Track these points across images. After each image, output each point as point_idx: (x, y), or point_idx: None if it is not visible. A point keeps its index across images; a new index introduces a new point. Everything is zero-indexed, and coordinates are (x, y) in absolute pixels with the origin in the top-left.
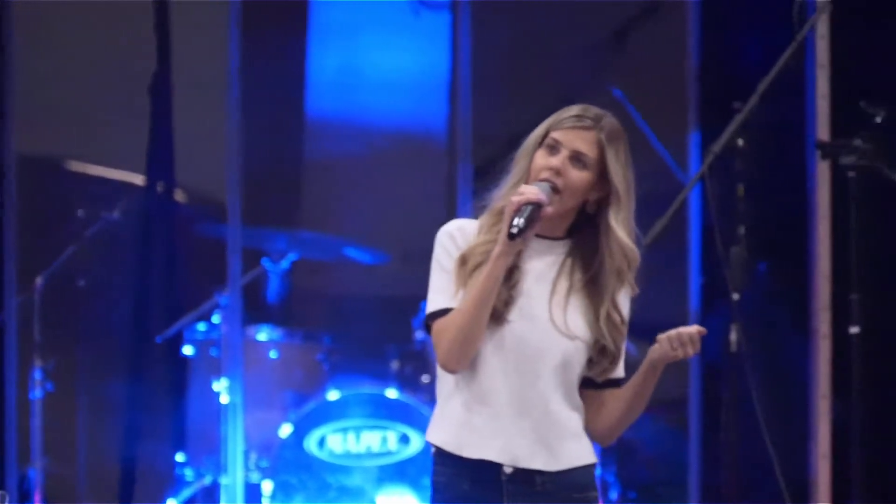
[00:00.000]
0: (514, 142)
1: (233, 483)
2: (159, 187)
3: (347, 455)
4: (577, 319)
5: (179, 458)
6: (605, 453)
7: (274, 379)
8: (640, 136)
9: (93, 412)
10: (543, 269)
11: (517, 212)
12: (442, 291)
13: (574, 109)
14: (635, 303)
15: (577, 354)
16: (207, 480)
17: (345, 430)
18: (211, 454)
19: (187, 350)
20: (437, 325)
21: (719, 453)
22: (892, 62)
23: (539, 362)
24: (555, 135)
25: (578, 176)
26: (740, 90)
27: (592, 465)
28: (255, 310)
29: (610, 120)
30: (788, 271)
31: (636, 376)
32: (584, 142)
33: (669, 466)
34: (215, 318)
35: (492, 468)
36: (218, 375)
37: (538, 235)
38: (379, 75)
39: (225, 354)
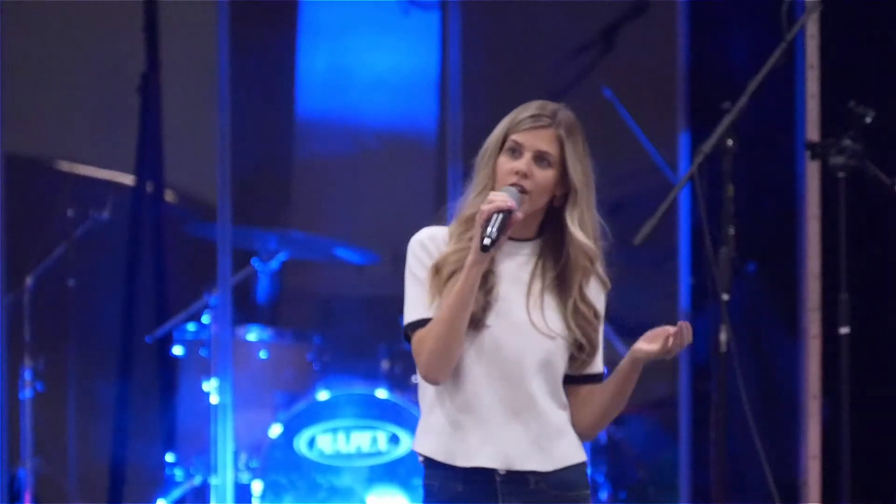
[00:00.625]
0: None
1: (222, 483)
2: (149, 187)
3: (337, 455)
4: (553, 317)
5: (169, 458)
6: (595, 453)
7: (264, 379)
8: (630, 136)
9: (83, 412)
10: (516, 270)
11: (488, 221)
12: (417, 302)
13: (529, 109)
14: (624, 303)
15: (559, 352)
16: (197, 480)
17: (335, 431)
18: (201, 454)
19: (177, 350)
20: (416, 336)
21: (709, 454)
22: (882, 62)
23: (522, 364)
24: (515, 137)
25: (544, 175)
26: (730, 90)
27: (584, 464)
28: (244, 310)
29: (566, 113)
30: (778, 272)
31: (618, 373)
32: (544, 140)
33: (659, 467)
34: (205, 318)
35: (485, 472)
36: (208, 375)
37: (511, 238)
38: (369, 75)
39: (215, 354)
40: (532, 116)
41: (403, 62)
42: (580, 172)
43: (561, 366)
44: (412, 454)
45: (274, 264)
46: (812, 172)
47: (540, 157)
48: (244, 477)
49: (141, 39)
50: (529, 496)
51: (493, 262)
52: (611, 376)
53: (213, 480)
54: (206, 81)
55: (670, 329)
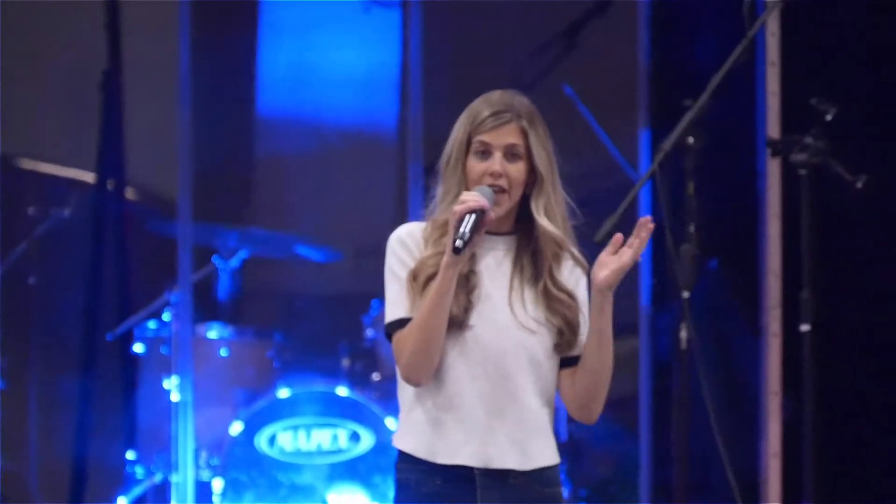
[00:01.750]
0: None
1: (183, 481)
2: (110, 185)
3: (298, 453)
4: (534, 310)
5: (130, 455)
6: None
7: (225, 377)
8: (591, 134)
9: (44, 410)
10: (497, 266)
11: (460, 222)
12: (398, 301)
13: (489, 107)
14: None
15: (542, 346)
16: (158, 478)
17: (295, 428)
18: (161, 452)
19: (138, 348)
20: (397, 336)
21: (670, 452)
22: (843, 59)
23: (506, 362)
24: (481, 138)
25: (517, 169)
26: (691, 88)
27: (559, 465)
28: (205, 307)
29: (522, 102)
30: (739, 269)
31: (592, 318)
32: (511, 135)
33: (620, 465)
34: (166, 316)
35: (465, 469)
36: (169, 373)
37: (488, 233)
38: (329, 73)
39: (175, 352)
40: (494, 115)
41: (364, 60)
42: (544, 158)
43: (547, 360)
44: (373, 452)
45: (235, 262)
46: (773, 170)
47: (510, 153)
48: (205, 475)
49: (103, 37)
50: (507, 491)
51: (473, 261)
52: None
53: (174, 478)
54: (167, 79)
55: (620, 236)
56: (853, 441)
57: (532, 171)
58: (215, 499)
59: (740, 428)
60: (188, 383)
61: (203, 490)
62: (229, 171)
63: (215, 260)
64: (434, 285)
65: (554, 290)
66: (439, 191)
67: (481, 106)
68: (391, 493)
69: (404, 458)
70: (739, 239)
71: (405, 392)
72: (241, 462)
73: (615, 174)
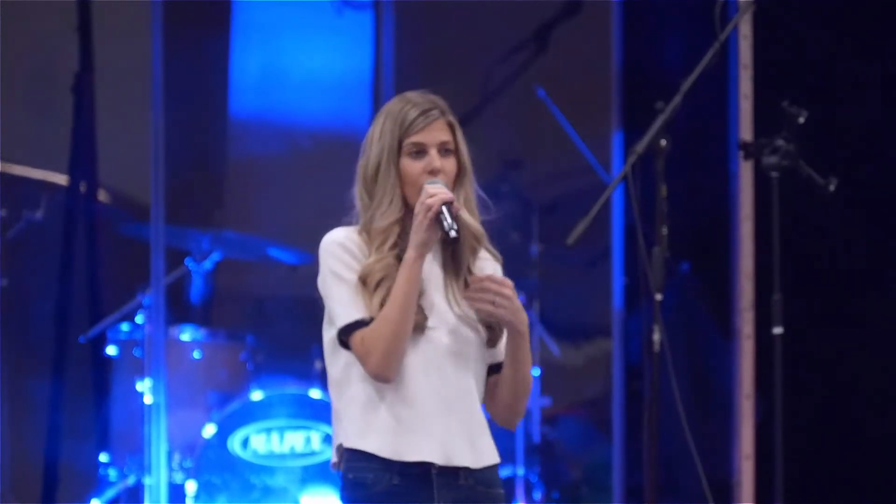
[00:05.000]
0: None
1: (156, 483)
2: (82, 187)
3: (271, 455)
4: (466, 308)
5: (103, 458)
6: (528, 453)
7: (197, 379)
8: (563, 136)
9: (16, 412)
10: (433, 266)
11: (439, 214)
12: (351, 303)
13: (414, 108)
14: (557, 303)
15: (481, 342)
16: (131, 481)
17: (268, 431)
18: (134, 454)
19: (111, 350)
20: (358, 337)
21: (642, 454)
22: (815, 63)
23: (459, 360)
24: (413, 139)
25: (451, 164)
26: (663, 90)
27: (498, 465)
28: (178, 310)
29: (440, 99)
30: (711, 272)
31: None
32: (442, 132)
33: (593, 467)
34: (139, 319)
35: (422, 466)
36: (141, 375)
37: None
38: (302, 75)
39: (148, 354)
40: (423, 114)
41: (337, 62)
42: (465, 153)
43: (484, 358)
44: None
45: (207, 264)
46: (745, 172)
47: (443, 149)
48: (178, 477)
49: (74, 39)
50: (460, 491)
51: None
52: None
53: (147, 480)
54: (139, 81)
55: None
56: (825, 443)
57: (459, 166)
58: (188, 501)
59: (713, 430)
60: (161, 386)
61: (176, 492)
62: (202, 174)
63: (188, 262)
64: (397, 286)
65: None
66: (368, 199)
67: (406, 108)
68: None
69: (361, 458)
70: (711, 241)
71: (359, 393)
72: (214, 464)
73: (587, 176)
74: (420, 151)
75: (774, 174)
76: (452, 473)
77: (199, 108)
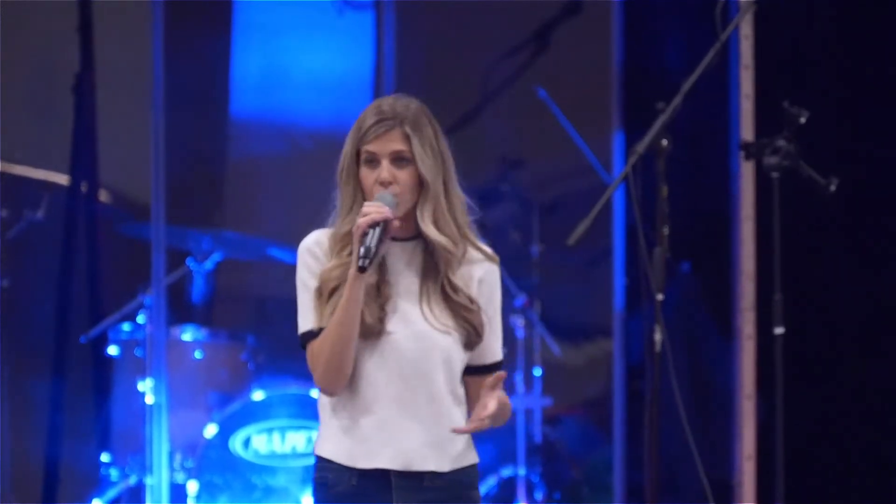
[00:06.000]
0: None
1: (158, 483)
2: (83, 187)
3: (272, 455)
4: (443, 313)
5: (104, 458)
6: (529, 453)
7: (199, 379)
8: (564, 136)
9: (17, 412)
10: (407, 271)
11: (364, 236)
12: (309, 311)
13: (372, 115)
14: (558, 303)
15: (455, 347)
16: (132, 481)
17: (270, 431)
18: (136, 454)
19: (112, 350)
20: (310, 348)
21: (643, 454)
22: (816, 63)
23: (422, 364)
24: (367, 148)
25: (406, 174)
26: (664, 90)
27: (476, 465)
28: (179, 310)
29: (408, 106)
30: (712, 272)
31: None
32: (395, 142)
33: (593, 467)
34: (140, 319)
35: (385, 474)
36: (143, 376)
37: (395, 239)
38: (302, 75)
39: (149, 355)
40: (376, 123)
41: (337, 62)
42: (430, 165)
43: (459, 360)
44: None
45: (208, 264)
46: (746, 173)
47: (397, 158)
48: (179, 477)
49: (75, 39)
50: (422, 494)
51: (385, 269)
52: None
53: (149, 480)
54: (140, 81)
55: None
56: (825, 443)
57: (420, 177)
58: (190, 501)
59: (714, 430)
60: (162, 386)
61: (178, 492)
62: (202, 174)
63: (189, 262)
64: (342, 297)
65: (452, 295)
66: (339, 203)
67: (367, 115)
68: None
69: (324, 461)
70: (712, 242)
71: (323, 399)
72: (215, 464)
73: (588, 177)
74: (373, 161)
75: (775, 174)
76: (415, 477)
77: (199, 108)
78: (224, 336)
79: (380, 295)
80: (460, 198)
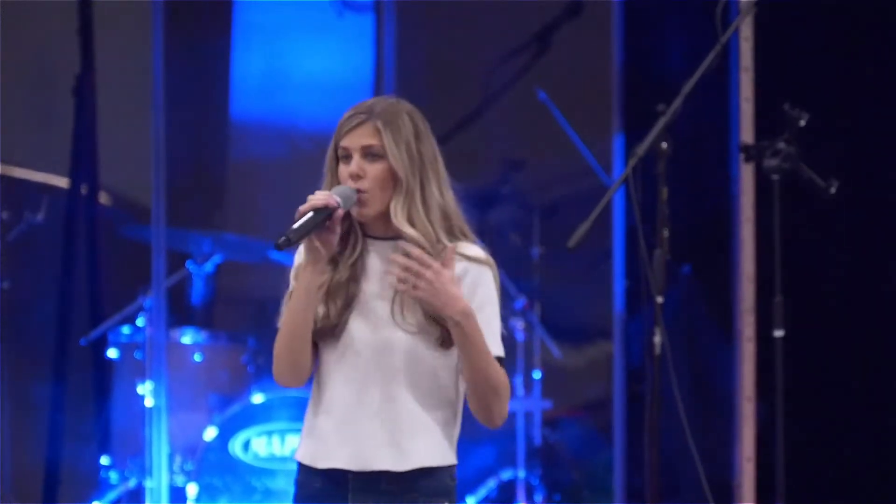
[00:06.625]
0: (439, 143)
1: (157, 486)
2: (83, 189)
3: (272, 458)
4: (415, 314)
5: (104, 460)
6: (530, 456)
7: (198, 382)
8: (564, 138)
9: (17, 415)
10: (383, 270)
11: (299, 219)
12: (282, 307)
13: (348, 113)
14: (559, 305)
15: (422, 346)
16: (132, 483)
17: (269, 433)
18: (135, 457)
19: (111, 353)
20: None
21: (643, 456)
22: (816, 65)
23: (382, 362)
24: (342, 144)
25: (376, 169)
26: (664, 92)
27: (448, 468)
28: (179, 312)
29: (385, 104)
30: (713, 274)
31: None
32: (366, 136)
33: (594, 469)
34: (139, 321)
35: (339, 472)
36: (142, 378)
37: (379, 238)
38: (303, 77)
39: (149, 357)
40: (349, 118)
41: (338, 64)
42: (403, 159)
43: (430, 360)
44: None
45: (208, 267)
46: (746, 175)
47: (367, 153)
48: (179, 480)
49: (75, 41)
50: (379, 495)
51: (358, 266)
52: None
53: (148, 483)
54: (140, 83)
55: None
56: (825, 445)
57: (392, 172)
58: None
59: (713, 432)
60: (162, 388)
61: (177, 495)
62: (202, 176)
63: (189, 265)
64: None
65: None
66: None
67: (346, 113)
68: None
69: (298, 465)
70: (713, 244)
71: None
72: (215, 467)
73: (588, 179)
74: (347, 156)
75: (775, 176)
76: (372, 478)
77: (200, 110)
78: (224, 338)
79: (347, 293)
80: (441, 201)
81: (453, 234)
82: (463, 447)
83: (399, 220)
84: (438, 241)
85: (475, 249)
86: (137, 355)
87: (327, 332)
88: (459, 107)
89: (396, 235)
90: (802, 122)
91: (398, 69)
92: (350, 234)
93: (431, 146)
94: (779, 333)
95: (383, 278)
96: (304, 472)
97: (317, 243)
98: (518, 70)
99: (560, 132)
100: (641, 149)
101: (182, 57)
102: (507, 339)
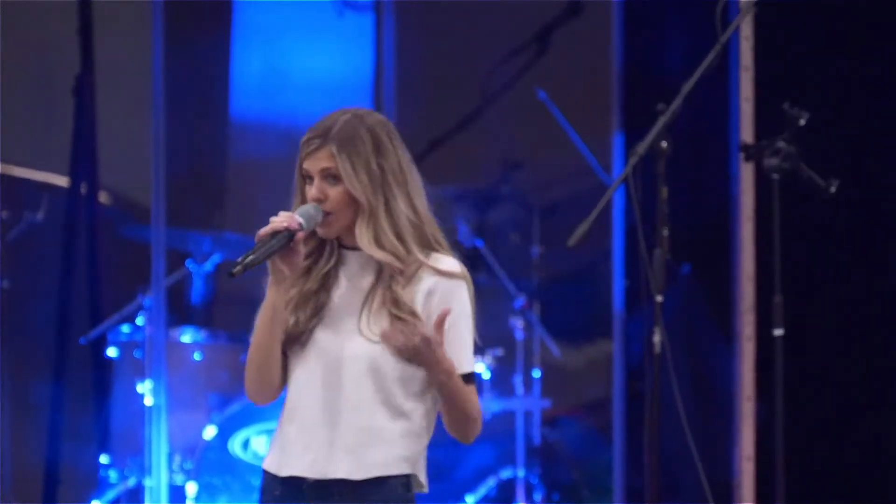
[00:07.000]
0: (439, 143)
1: (157, 485)
2: (83, 189)
3: None
4: (382, 323)
5: (103, 459)
6: (529, 455)
7: (198, 381)
8: (564, 138)
9: (16, 414)
10: (353, 282)
11: (258, 244)
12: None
13: (307, 133)
14: (558, 305)
15: (386, 356)
16: (132, 482)
17: (269, 432)
18: (135, 456)
19: (111, 352)
20: None
21: (643, 455)
22: (816, 64)
23: (345, 371)
24: (304, 166)
25: (337, 191)
26: (664, 92)
27: (402, 477)
28: (178, 311)
29: (344, 122)
30: (712, 273)
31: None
32: (324, 160)
33: (593, 468)
34: (139, 320)
35: (298, 480)
36: (142, 377)
37: (354, 248)
38: (303, 76)
39: (149, 356)
40: (306, 142)
41: (337, 64)
42: (363, 182)
43: (396, 371)
44: None
45: (208, 266)
46: (746, 174)
47: (327, 176)
48: (178, 479)
49: (75, 41)
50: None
51: (329, 277)
52: None
53: (148, 482)
54: (140, 83)
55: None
56: (825, 444)
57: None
58: (189, 503)
59: (713, 431)
60: (161, 387)
61: (177, 494)
62: (202, 175)
63: (189, 264)
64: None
65: (394, 310)
66: None
67: (307, 133)
68: None
69: (263, 473)
70: (712, 243)
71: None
72: (214, 466)
73: (588, 178)
74: (308, 178)
75: (775, 176)
76: (326, 486)
77: (199, 109)
78: (224, 338)
79: (316, 302)
80: (409, 213)
81: (427, 245)
82: (462, 447)
83: (364, 243)
84: (410, 253)
85: (449, 262)
86: (137, 354)
87: (295, 341)
88: (459, 106)
89: None
90: (802, 122)
91: (398, 69)
92: (325, 244)
93: (397, 158)
94: (779, 333)
95: (354, 289)
96: (268, 479)
97: (281, 265)
98: (518, 70)
99: (560, 132)
100: (641, 148)
101: (182, 57)
102: (507, 338)
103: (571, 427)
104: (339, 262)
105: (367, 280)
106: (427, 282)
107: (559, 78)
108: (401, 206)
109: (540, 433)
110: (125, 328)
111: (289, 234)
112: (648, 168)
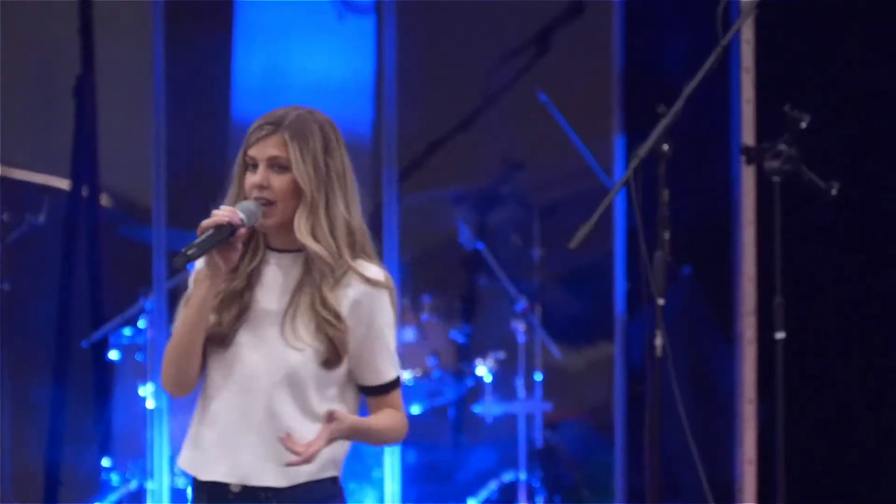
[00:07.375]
0: (440, 144)
1: (159, 488)
2: (84, 191)
3: None
4: (305, 330)
5: (105, 462)
6: (530, 458)
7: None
8: (565, 139)
9: (18, 416)
10: (279, 283)
11: (202, 234)
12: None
13: (258, 121)
14: (560, 307)
15: (307, 364)
16: (133, 485)
17: None
18: (137, 459)
19: (113, 355)
20: None
21: (644, 457)
22: (817, 67)
23: (264, 378)
24: (250, 153)
25: (282, 181)
26: (665, 94)
27: (331, 479)
28: None
29: (296, 115)
30: (714, 276)
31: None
32: (273, 147)
33: (594, 470)
34: (141, 323)
35: (222, 486)
36: (144, 380)
37: (281, 250)
38: (304, 78)
39: (150, 359)
40: (258, 128)
41: (338, 65)
42: (310, 174)
43: (313, 378)
44: (347, 457)
45: None
46: (748, 177)
47: (273, 164)
48: (180, 481)
49: (76, 41)
50: None
51: (255, 276)
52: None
53: (150, 485)
54: (141, 84)
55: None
56: (826, 446)
57: (297, 186)
58: None
59: (715, 433)
60: (163, 390)
61: (179, 497)
62: (203, 177)
63: (190, 266)
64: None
65: (321, 310)
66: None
67: (257, 121)
68: (365, 499)
69: (187, 475)
70: (714, 246)
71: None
72: None
73: (589, 180)
74: (254, 165)
75: (776, 178)
76: (252, 493)
77: (201, 111)
78: None
79: (241, 303)
80: (346, 216)
81: (356, 251)
82: (464, 449)
83: (302, 234)
84: (341, 256)
85: (374, 270)
86: (139, 357)
87: (216, 341)
88: (460, 107)
89: (298, 248)
90: (803, 124)
91: (399, 70)
92: (251, 243)
93: (342, 160)
94: (780, 335)
95: (279, 292)
96: (195, 483)
97: (217, 259)
98: (518, 70)
99: (560, 133)
100: (642, 150)
101: (183, 57)
102: (509, 342)
103: (573, 429)
104: (264, 263)
105: (292, 282)
106: (354, 289)
107: (560, 78)
108: (339, 207)
109: (542, 436)
110: (127, 331)
111: (230, 229)
112: (649, 170)
